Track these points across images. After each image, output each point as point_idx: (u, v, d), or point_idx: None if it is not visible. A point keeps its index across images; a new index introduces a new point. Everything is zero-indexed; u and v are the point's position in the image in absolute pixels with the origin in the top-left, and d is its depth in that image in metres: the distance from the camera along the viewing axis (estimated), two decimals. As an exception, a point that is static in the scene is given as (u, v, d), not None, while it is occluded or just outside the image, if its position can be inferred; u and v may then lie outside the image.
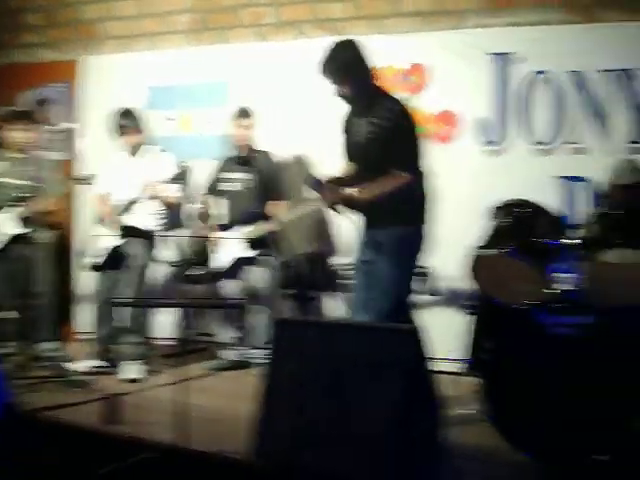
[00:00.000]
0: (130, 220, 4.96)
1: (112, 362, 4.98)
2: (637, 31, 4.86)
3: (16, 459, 2.55)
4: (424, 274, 4.74)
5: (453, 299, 5.03)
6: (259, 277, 5.07)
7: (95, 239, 5.05)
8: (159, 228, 5.07)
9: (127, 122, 5.04)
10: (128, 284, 4.86)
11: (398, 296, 3.70)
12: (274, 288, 5.06)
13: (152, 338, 5.29)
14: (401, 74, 5.36)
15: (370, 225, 3.83)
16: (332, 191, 3.73)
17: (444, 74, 5.26)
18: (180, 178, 5.03)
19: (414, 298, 3.92)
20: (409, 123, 3.75)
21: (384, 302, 3.64)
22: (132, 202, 4.96)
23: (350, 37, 3.90)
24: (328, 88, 3.83)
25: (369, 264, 3.77)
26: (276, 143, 5.44)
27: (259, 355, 4.93)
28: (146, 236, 4.99)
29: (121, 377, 4.79)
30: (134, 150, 5.09)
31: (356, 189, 3.70)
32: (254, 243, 5.01)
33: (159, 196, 4.93)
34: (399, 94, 5.23)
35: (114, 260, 4.94)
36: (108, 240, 4.96)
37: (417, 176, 3.73)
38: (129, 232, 4.95)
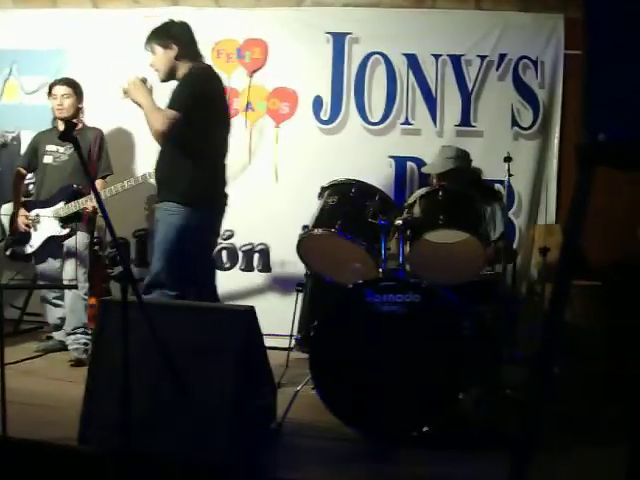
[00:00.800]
0: None
1: None
2: (467, 18, 5.05)
3: None
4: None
5: (287, 277, 5.07)
6: (72, 256, 4.80)
7: None
8: None
9: None
10: None
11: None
12: (86, 267, 4.86)
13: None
14: (238, 49, 5.29)
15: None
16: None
17: (282, 51, 5.26)
18: None
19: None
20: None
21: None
22: None
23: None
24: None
25: None
26: (107, 117, 5.22)
27: (73, 340, 4.77)
28: None
29: None
30: None
31: None
32: (68, 221, 4.76)
33: None
34: (235, 69, 5.26)
35: None
36: None
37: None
38: None
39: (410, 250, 3.51)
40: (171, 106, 3.76)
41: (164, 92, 3.87)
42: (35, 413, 3.58)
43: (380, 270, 3.51)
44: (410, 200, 3.67)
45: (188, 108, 3.75)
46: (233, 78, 5.30)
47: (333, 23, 5.19)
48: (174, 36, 3.93)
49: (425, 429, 3.21)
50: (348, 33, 5.16)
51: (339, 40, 5.17)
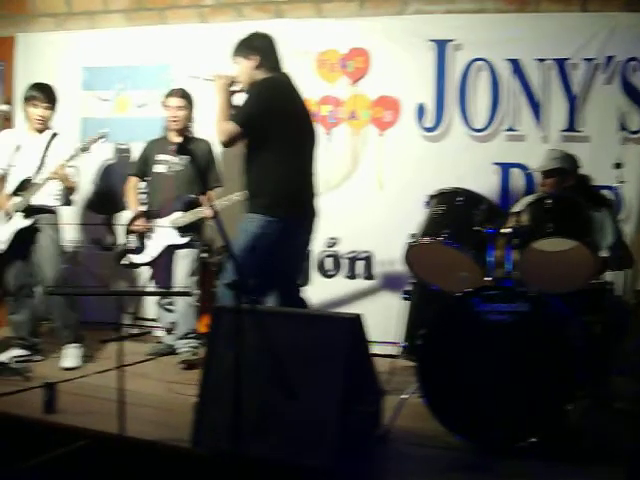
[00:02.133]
0: (36, 200, 4.67)
1: (33, 350, 4.84)
2: (571, 21, 4.95)
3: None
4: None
5: (391, 284, 5.08)
6: (188, 265, 4.97)
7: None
8: (61, 207, 4.87)
9: (37, 94, 4.76)
10: (46, 268, 4.68)
11: None
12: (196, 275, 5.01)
13: (89, 323, 5.17)
14: (341, 59, 5.34)
15: None
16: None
17: (384, 59, 5.27)
18: (78, 155, 4.77)
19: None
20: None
21: None
22: (29, 181, 4.69)
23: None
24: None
25: None
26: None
27: (184, 344, 4.91)
28: (54, 217, 4.80)
29: (60, 365, 4.65)
30: (38, 127, 4.80)
31: None
32: (186, 230, 4.91)
33: (65, 179, 4.67)
34: (339, 78, 5.32)
35: (21, 244, 4.72)
36: (10, 223, 4.71)
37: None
38: (35, 213, 4.70)
39: (518, 258, 3.47)
40: (234, 119, 3.83)
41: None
42: (150, 414, 3.73)
43: (487, 279, 3.49)
44: (517, 208, 3.64)
45: (252, 122, 3.81)
46: (336, 87, 5.36)
47: (435, 30, 5.17)
48: (255, 47, 3.99)
49: (532, 440, 3.17)
50: (451, 40, 5.13)
51: (442, 47, 5.15)
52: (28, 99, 4.79)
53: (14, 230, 4.70)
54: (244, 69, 3.99)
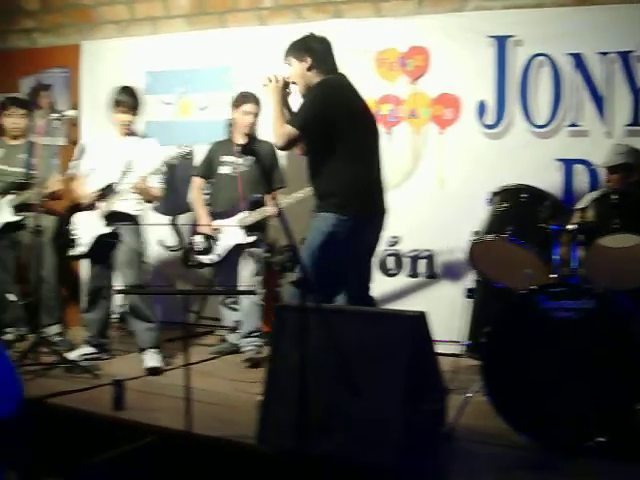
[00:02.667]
0: (117, 206, 4.80)
1: (102, 348, 4.96)
2: (636, 12, 4.85)
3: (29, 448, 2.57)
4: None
5: (454, 283, 5.06)
6: (253, 264, 5.03)
7: (76, 225, 4.91)
8: (144, 213, 4.99)
9: (124, 98, 4.86)
10: (126, 275, 4.80)
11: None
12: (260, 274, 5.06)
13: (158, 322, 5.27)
14: (400, 57, 5.34)
15: None
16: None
17: (444, 57, 5.24)
18: (163, 170, 4.87)
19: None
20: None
21: None
22: (112, 187, 4.81)
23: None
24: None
25: None
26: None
27: (248, 342, 4.96)
28: (135, 221, 4.90)
29: (144, 366, 4.70)
30: (125, 131, 4.92)
31: None
32: (253, 229, 4.99)
33: (145, 193, 4.80)
34: (398, 77, 5.32)
35: (102, 249, 4.85)
36: (93, 227, 4.83)
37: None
38: (117, 218, 4.83)
39: (583, 255, 3.43)
40: (291, 122, 3.85)
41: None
42: (215, 411, 3.79)
43: (552, 276, 3.45)
44: (582, 204, 3.59)
45: (310, 125, 3.83)
46: (396, 86, 5.36)
47: (495, 26, 5.12)
48: (309, 49, 3.99)
49: (600, 440, 3.12)
50: (511, 36, 5.07)
51: (501, 43, 5.10)
52: (114, 104, 4.88)
53: (96, 235, 4.83)
54: (297, 70, 4.01)
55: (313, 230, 3.92)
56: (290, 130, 3.82)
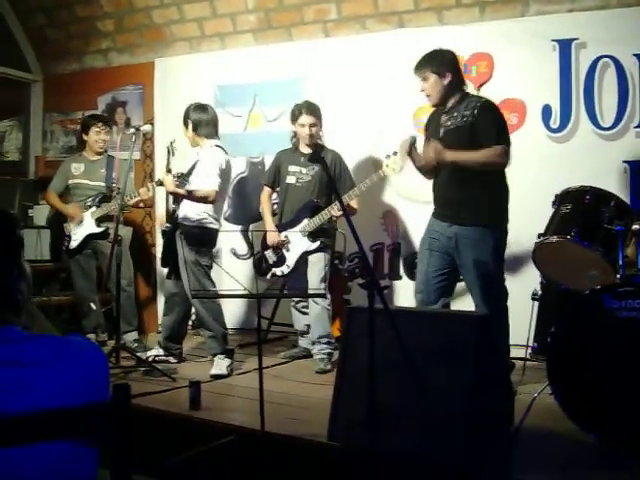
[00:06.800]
0: (183, 212, 4.94)
1: (170, 352, 5.12)
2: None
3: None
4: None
5: (519, 285, 5.06)
6: (321, 269, 5.07)
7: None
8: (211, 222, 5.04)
9: (202, 116, 5.00)
10: (196, 280, 4.88)
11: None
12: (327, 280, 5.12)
13: (230, 329, 5.43)
14: (464, 64, 5.38)
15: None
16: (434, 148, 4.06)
17: (507, 62, 5.28)
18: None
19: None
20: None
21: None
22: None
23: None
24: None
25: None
26: (345, 139, 5.55)
27: (318, 350, 5.04)
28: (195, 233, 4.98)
29: (210, 372, 4.79)
30: (197, 144, 5.07)
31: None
32: (314, 235, 5.06)
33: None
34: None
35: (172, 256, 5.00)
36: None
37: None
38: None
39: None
40: (499, 141, 4.01)
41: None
42: (287, 412, 3.90)
43: (618, 276, 3.47)
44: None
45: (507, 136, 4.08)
46: (461, 93, 5.41)
47: (558, 30, 5.13)
48: (448, 64, 4.10)
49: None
50: (574, 39, 5.08)
51: (565, 46, 5.10)
52: (192, 123, 5.02)
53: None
54: (436, 85, 4.10)
55: (479, 246, 4.07)
56: (505, 148, 4.03)
